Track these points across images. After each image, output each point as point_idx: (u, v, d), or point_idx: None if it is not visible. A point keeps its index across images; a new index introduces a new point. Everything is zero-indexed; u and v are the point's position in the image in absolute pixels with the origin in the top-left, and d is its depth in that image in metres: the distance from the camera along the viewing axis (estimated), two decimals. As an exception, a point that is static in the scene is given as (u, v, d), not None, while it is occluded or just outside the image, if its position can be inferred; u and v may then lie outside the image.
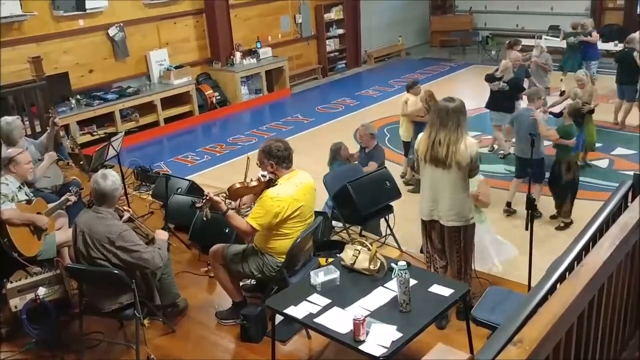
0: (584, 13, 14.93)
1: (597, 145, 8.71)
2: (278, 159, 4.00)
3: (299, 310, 3.38)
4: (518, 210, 6.84)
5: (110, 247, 3.77)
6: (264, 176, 4.00)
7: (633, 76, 9.25)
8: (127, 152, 8.53)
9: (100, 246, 3.78)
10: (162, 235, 4.25)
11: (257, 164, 4.17)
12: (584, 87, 8.01)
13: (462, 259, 4.19)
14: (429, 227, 4.24)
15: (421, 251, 5.29)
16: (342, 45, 15.00)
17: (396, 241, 5.42)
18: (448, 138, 3.93)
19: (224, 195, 4.06)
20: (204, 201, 3.91)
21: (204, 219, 4.07)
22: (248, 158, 4.98)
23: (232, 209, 4.20)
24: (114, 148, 6.06)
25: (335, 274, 3.61)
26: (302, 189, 4.05)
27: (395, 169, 7.75)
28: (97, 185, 3.83)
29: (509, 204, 6.99)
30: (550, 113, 7.93)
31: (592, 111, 7.77)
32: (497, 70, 8.34)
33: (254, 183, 4.02)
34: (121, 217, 4.06)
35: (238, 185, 4.02)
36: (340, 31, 14.83)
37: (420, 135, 4.19)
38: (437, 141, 3.97)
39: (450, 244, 4.16)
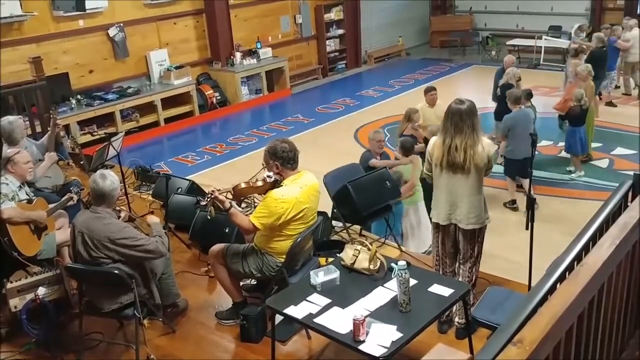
0: (584, 13, 14.94)
1: (597, 145, 8.72)
2: (283, 159, 3.96)
3: (298, 310, 3.38)
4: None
5: (112, 245, 3.77)
6: (269, 177, 3.98)
7: None
8: (128, 152, 8.54)
9: (101, 246, 3.77)
10: (154, 219, 4.23)
11: (262, 165, 4.15)
12: (587, 81, 8.13)
13: (476, 259, 4.16)
14: (443, 231, 4.15)
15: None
16: (342, 45, 15.00)
17: (396, 241, 5.42)
18: (465, 143, 3.84)
19: (229, 193, 4.04)
20: (208, 199, 3.89)
21: (208, 217, 4.05)
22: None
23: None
24: (114, 148, 6.05)
25: (335, 274, 3.60)
26: (306, 191, 4.02)
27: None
28: (96, 184, 3.82)
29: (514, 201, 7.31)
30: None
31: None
32: None
33: (260, 183, 4.00)
34: (119, 217, 4.06)
35: (243, 185, 4.00)
36: (340, 31, 14.83)
37: (434, 139, 4.09)
38: (453, 147, 3.86)
39: (466, 245, 4.11)
